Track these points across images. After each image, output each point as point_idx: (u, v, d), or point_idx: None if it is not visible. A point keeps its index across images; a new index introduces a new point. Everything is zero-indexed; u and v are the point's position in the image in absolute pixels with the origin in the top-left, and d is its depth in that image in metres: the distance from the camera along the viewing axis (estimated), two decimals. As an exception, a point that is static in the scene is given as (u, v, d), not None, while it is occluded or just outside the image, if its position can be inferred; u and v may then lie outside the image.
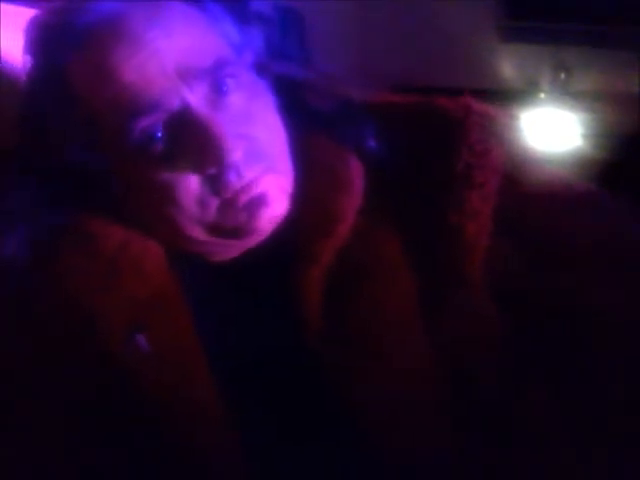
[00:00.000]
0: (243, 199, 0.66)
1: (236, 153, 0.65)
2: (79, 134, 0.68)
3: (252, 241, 0.70)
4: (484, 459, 0.66)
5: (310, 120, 0.75)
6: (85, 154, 0.67)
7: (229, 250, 0.72)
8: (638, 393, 0.65)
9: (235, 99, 0.68)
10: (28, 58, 0.70)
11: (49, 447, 0.66)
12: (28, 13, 0.75)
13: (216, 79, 0.67)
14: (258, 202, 0.67)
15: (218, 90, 0.67)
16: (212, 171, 0.65)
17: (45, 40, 0.69)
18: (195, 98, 0.65)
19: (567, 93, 2.49)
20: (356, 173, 0.72)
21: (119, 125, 0.65)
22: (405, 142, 0.72)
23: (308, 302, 0.67)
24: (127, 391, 0.65)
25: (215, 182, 0.66)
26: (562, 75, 2.49)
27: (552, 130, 2.42)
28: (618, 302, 0.67)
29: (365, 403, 0.66)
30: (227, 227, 0.67)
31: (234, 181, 0.66)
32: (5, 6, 0.89)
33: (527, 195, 0.72)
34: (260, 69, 0.73)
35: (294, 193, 0.70)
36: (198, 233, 0.68)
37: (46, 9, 0.71)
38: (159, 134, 0.65)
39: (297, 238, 0.69)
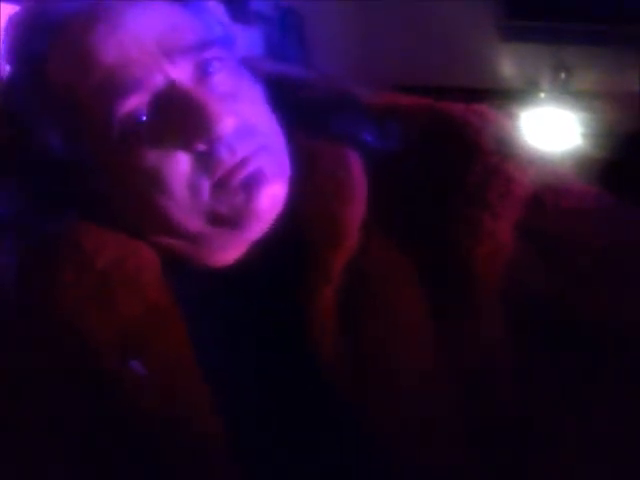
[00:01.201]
0: (238, 177, 0.63)
1: (225, 123, 0.61)
2: (63, 128, 0.66)
3: (253, 232, 0.67)
4: (494, 467, 0.65)
5: (309, 121, 0.73)
6: (70, 150, 0.66)
7: (229, 246, 0.69)
8: None
9: (221, 79, 0.65)
10: (8, 57, 0.68)
11: (44, 464, 0.64)
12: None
13: (201, 60, 0.64)
14: (255, 180, 0.63)
15: (204, 70, 0.64)
16: (201, 147, 0.62)
17: (23, 37, 0.67)
18: (178, 73, 0.63)
19: (567, 92, 2.48)
20: (359, 180, 0.68)
21: (104, 111, 0.63)
22: (414, 147, 0.69)
23: (321, 318, 0.65)
24: (122, 409, 0.64)
25: (206, 160, 0.63)
26: (562, 74, 2.48)
27: (552, 130, 2.42)
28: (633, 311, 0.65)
29: (382, 417, 0.64)
30: (224, 213, 0.64)
31: (226, 157, 0.62)
32: (5, 6, 0.88)
33: (544, 202, 0.68)
34: (249, 66, 0.71)
35: (296, 199, 0.67)
36: (193, 224, 0.65)
37: (24, 7, 0.69)
38: (144, 116, 0.63)
39: (304, 253, 0.66)
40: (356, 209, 0.68)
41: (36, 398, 0.65)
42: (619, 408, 0.64)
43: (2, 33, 0.70)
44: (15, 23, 0.68)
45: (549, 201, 0.68)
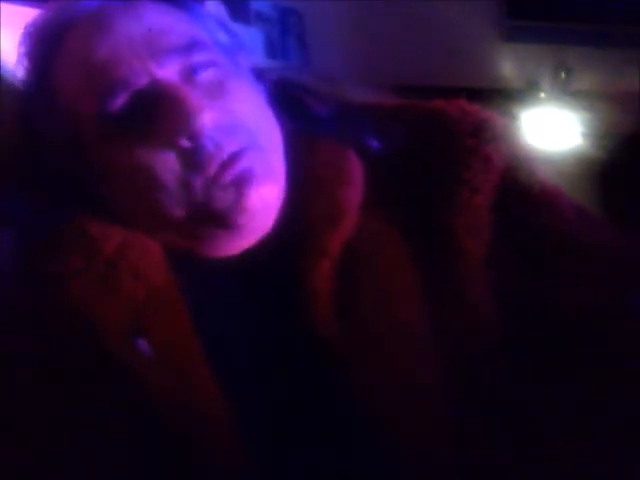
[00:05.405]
0: (228, 175, 0.65)
1: (204, 117, 0.63)
2: (64, 131, 0.68)
3: (248, 228, 0.69)
4: (483, 449, 0.66)
5: (307, 121, 0.75)
6: (71, 151, 0.68)
7: (228, 241, 0.71)
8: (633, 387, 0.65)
9: (210, 78, 0.67)
10: (22, 63, 0.72)
11: (52, 452, 0.66)
12: (28, 13, 0.76)
13: (189, 60, 0.67)
14: (244, 179, 0.65)
15: (190, 70, 0.67)
16: (185, 143, 0.64)
17: (34, 44, 0.71)
18: (164, 73, 0.66)
19: (567, 93, 2.49)
20: (356, 168, 0.72)
21: (94, 110, 0.66)
22: (402, 143, 0.73)
23: (319, 295, 0.67)
24: (129, 393, 0.65)
25: (193, 156, 0.64)
26: (563, 75, 2.49)
27: (552, 130, 2.42)
28: (610, 304, 0.67)
29: (377, 391, 0.66)
30: (217, 209, 0.66)
31: (212, 152, 0.64)
32: (5, 6, 0.89)
33: (524, 196, 0.72)
34: (254, 71, 0.73)
35: (296, 190, 0.70)
36: (189, 220, 0.67)
37: (38, 14, 0.73)
38: (130, 114, 0.65)
39: (303, 231, 0.68)
40: (354, 191, 0.71)
41: (46, 381, 0.66)
42: (602, 377, 0.66)
43: (4, 37, 0.72)
44: (27, 33, 0.72)
45: (535, 189, 0.72)
